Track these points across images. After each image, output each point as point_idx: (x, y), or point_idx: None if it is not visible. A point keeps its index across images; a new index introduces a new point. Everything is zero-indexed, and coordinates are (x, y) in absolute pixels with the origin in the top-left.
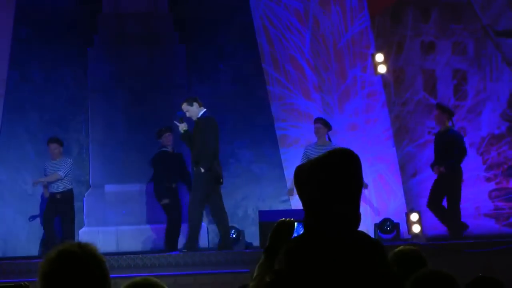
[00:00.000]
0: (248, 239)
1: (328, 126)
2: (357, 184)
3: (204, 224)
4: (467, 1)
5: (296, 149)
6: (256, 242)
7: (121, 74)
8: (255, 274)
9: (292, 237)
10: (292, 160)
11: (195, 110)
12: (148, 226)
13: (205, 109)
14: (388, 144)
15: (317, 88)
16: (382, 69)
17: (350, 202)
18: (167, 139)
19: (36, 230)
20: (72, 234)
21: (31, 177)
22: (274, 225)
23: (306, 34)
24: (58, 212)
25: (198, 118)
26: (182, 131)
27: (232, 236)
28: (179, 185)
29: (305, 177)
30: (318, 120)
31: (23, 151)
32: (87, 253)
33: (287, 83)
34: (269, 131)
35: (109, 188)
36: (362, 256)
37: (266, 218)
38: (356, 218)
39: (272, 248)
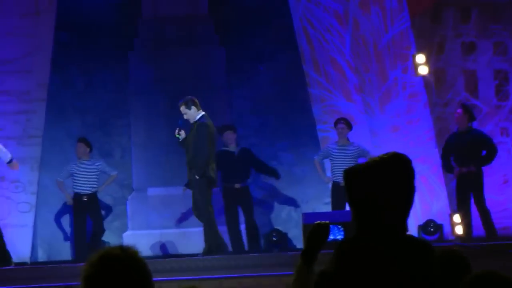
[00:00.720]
0: (291, 241)
1: (350, 127)
2: (410, 187)
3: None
4: (507, 1)
5: None
6: (299, 245)
7: (162, 77)
8: (293, 278)
9: (328, 239)
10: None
11: (192, 114)
12: (191, 229)
13: (203, 113)
14: (430, 145)
15: (358, 90)
16: (423, 70)
17: (402, 205)
18: (227, 138)
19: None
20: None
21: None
22: (308, 229)
23: (346, 35)
24: (87, 212)
25: (195, 122)
26: (180, 140)
27: (275, 238)
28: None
29: (357, 179)
30: (342, 121)
31: (65, 155)
32: (129, 256)
33: (328, 85)
34: (310, 133)
35: (152, 191)
36: (413, 259)
37: (310, 220)
38: (406, 221)
39: (309, 251)
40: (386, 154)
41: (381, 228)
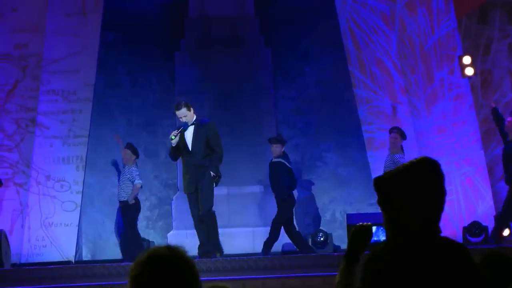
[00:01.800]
0: (336, 242)
1: (404, 136)
2: (440, 190)
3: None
4: None
5: (383, 152)
6: (344, 245)
7: (207, 78)
8: (337, 279)
9: (372, 241)
10: (379, 163)
11: (191, 115)
12: (236, 229)
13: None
14: (476, 147)
15: (404, 91)
16: (469, 71)
17: (433, 208)
18: (275, 151)
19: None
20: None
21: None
22: (353, 230)
23: (393, 36)
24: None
25: (196, 122)
26: (174, 142)
27: (320, 239)
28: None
29: (388, 185)
30: (395, 130)
31: (111, 155)
32: (177, 255)
33: (374, 86)
34: (355, 134)
35: None
36: (448, 262)
37: (354, 221)
38: (438, 224)
39: (352, 252)
40: (416, 159)
41: (413, 232)
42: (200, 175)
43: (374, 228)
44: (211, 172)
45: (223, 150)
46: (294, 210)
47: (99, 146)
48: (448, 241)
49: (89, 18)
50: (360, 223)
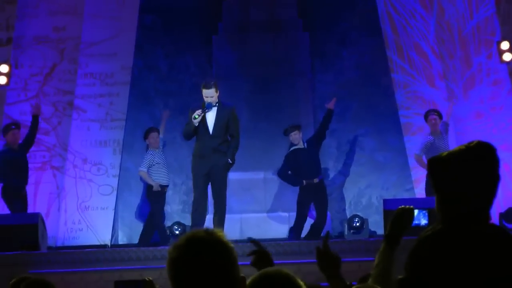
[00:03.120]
0: (372, 227)
1: (441, 117)
2: (495, 176)
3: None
4: None
5: (420, 137)
6: (380, 231)
7: (245, 62)
8: (376, 262)
9: (412, 224)
10: (416, 148)
11: (216, 96)
12: (272, 214)
13: None
14: None
15: (442, 76)
16: (507, 56)
17: (486, 194)
18: (294, 138)
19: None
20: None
21: None
22: (394, 213)
23: (431, 21)
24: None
25: (219, 104)
26: (197, 121)
27: (356, 224)
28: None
29: (442, 167)
30: (433, 112)
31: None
32: (215, 239)
33: (411, 71)
34: (393, 119)
35: (233, 175)
36: (499, 251)
37: (391, 207)
38: (489, 210)
39: (392, 235)
40: (471, 142)
41: (464, 216)
42: (216, 160)
43: (416, 211)
44: (229, 159)
45: (239, 137)
46: (328, 194)
47: (136, 130)
48: (498, 229)
49: (127, 1)
50: (402, 206)
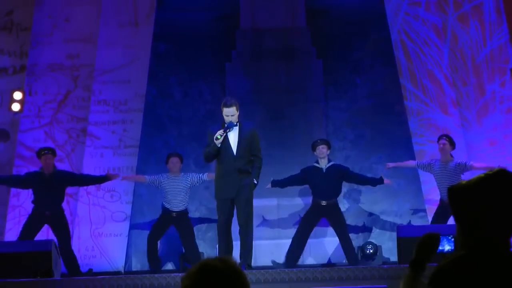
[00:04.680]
0: (385, 254)
1: (453, 144)
2: None
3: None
4: None
5: None
6: (393, 258)
7: (258, 89)
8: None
9: (438, 250)
10: (429, 175)
11: (237, 116)
12: (285, 241)
13: None
14: None
15: (455, 103)
16: None
17: (507, 221)
18: (320, 152)
19: (173, 244)
20: (196, 248)
21: None
22: (419, 238)
23: (444, 48)
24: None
25: (239, 124)
26: (219, 144)
27: (369, 251)
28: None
29: (462, 195)
30: (444, 137)
31: (161, 165)
32: (228, 267)
33: (425, 98)
34: (406, 146)
35: None
36: None
37: (405, 234)
38: (510, 238)
39: (418, 261)
40: (492, 170)
41: (485, 244)
42: (241, 181)
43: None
44: (254, 180)
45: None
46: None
47: (150, 157)
48: None
49: (141, 29)
50: (428, 232)
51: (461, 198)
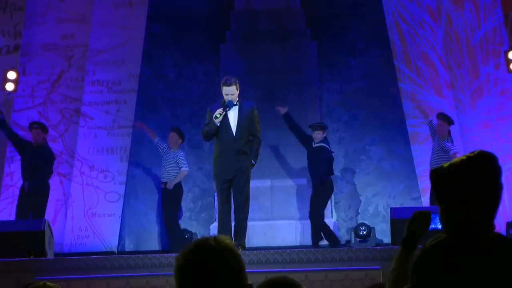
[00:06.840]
0: (378, 236)
1: (450, 121)
2: (497, 185)
3: (335, 222)
4: None
5: (427, 146)
6: (386, 239)
7: (252, 70)
8: (392, 266)
9: (429, 228)
10: (423, 157)
11: (237, 95)
12: (279, 222)
13: None
14: None
15: (449, 85)
16: None
17: (489, 203)
18: (314, 136)
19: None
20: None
21: None
22: (411, 217)
23: (439, 31)
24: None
25: (239, 103)
26: (218, 121)
27: (362, 232)
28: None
29: (444, 178)
30: (440, 116)
31: (155, 146)
32: (222, 247)
33: (419, 80)
34: (400, 128)
35: None
36: (503, 260)
37: (398, 215)
38: (493, 219)
39: (409, 239)
40: (473, 152)
41: (468, 226)
42: (239, 162)
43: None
44: (252, 160)
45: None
46: (336, 202)
47: (144, 137)
48: (502, 239)
49: (135, 10)
50: (419, 210)
51: (442, 181)
